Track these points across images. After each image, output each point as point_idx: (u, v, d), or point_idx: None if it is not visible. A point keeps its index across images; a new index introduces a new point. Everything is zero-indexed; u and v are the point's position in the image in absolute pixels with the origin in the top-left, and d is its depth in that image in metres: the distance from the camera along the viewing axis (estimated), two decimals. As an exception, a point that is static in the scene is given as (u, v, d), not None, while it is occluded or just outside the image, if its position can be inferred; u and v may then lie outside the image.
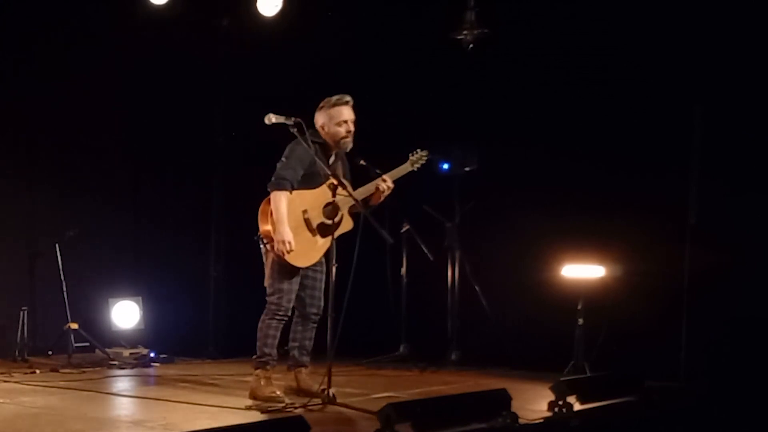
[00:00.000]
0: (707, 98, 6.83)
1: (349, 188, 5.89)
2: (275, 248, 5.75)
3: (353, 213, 5.99)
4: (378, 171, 6.11)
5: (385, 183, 6.01)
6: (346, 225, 5.97)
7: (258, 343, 5.97)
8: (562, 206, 7.41)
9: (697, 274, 6.71)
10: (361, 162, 6.12)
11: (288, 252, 5.73)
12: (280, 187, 5.78)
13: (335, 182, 5.76)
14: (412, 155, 6.23)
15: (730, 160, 6.85)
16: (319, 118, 6.03)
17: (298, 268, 5.92)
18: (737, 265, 6.68)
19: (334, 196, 5.80)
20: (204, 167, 8.91)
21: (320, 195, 5.90)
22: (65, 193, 8.49)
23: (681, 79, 7.05)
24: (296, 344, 6.08)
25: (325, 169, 5.84)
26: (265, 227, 5.86)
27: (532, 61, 7.69)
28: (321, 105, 6.04)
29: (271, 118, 5.71)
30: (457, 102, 7.99)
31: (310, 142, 5.80)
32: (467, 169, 8.07)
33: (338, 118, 5.97)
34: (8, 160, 8.13)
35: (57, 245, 8.02)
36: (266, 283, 5.93)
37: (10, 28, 8.04)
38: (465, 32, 7.69)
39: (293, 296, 5.95)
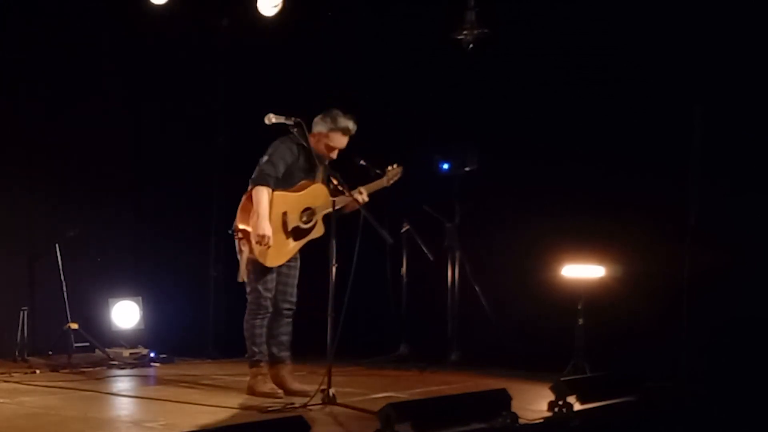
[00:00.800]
0: (707, 98, 6.82)
1: (347, 191, 5.92)
2: (253, 242, 5.78)
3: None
4: (378, 171, 6.15)
5: (362, 195, 6.04)
6: (318, 231, 6.03)
7: (247, 343, 6.06)
8: (562, 206, 7.41)
9: (697, 274, 6.69)
10: (361, 162, 6.13)
11: (266, 246, 5.76)
12: (264, 183, 5.84)
13: (335, 182, 5.80)
14: (390, 170, 6.24)
15: (730, 160, 6.85)
16: (319, 126, 6.05)
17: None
18: (737, 265, 6.67)
19: (334, 196, 5.83)
20: (204, 167, 8.90)
21: (301, 199, 5.96)
22: (65, 193, 8.48)
23: (681, 79, 7.05)
24: (273, 340, 6.10)
25: (306, 171, 5.97)
26: (243, 223, 5.88)
27: (532, 61, 7.69)
28: (329, 116, 6.03)
29: (271, 118, 5.73)
30: (457, 102, 7.99)
31: (307, 143, 5.84)
32: (467, 169, 8.06)
33: (332, 143, 6.03)
34: (8, 160, 8.12)
35: (57, 245, 8.01)
36: (240, 279, 5.96)
37: (9, 29, 8.03)
38: (465, 32, 7.68)
39: (270, 294, 6.00)
